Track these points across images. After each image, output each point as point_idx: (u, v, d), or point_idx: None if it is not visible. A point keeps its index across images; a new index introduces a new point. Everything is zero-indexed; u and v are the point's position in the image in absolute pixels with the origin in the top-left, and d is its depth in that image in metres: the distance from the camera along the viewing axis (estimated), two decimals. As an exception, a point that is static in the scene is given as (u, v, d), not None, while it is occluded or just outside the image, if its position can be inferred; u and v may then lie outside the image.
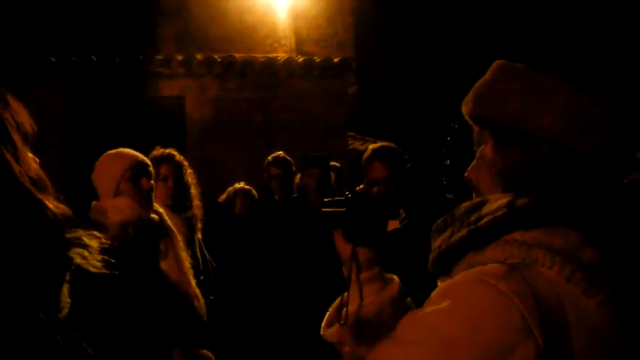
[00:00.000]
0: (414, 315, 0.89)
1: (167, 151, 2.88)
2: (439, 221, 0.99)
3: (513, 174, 0.94)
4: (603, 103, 0.91)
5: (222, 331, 2.80)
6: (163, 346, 2.20)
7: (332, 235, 1.12)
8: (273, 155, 3.89)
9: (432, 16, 13.34)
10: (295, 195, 3.70)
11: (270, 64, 6.92)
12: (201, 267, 2.79)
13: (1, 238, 0.82)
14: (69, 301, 0.95)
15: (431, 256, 0.99)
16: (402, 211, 2.47)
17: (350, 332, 1.04)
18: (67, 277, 0.94)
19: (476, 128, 1.03)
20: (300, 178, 3.63)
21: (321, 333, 1.11)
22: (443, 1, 13.35)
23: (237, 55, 6.90)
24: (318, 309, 1.27)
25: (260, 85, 6.91)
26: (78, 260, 0.94)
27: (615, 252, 0.85)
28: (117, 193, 2.21)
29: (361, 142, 8.25)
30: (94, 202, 2.23)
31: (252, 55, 7.07)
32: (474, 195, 1.02)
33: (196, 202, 2.96)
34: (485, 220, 0.90)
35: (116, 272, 1.30)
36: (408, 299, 1.09)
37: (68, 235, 0.93)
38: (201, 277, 2.69)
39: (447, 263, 0.95)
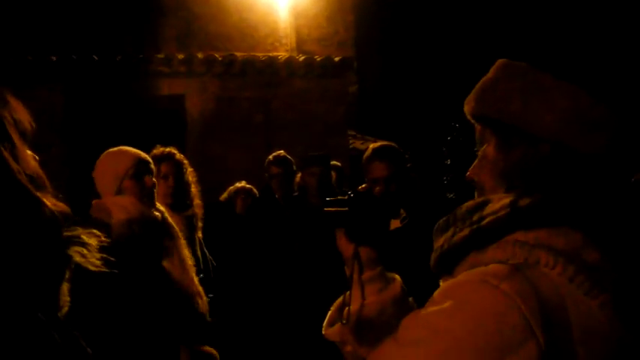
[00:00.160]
0: (415, 315, 0.88)
1: (167, 149, 2.88)
2: (441, 221, 0.99)
3: (515, 173, 0.94)
4: (605, 103, 0.91)
5: (224, 329, 2.80)
6: (170, 343, 2.21)
7: (334, 234, 1.12)
8: (273, 154, 3.89)
9: (432, 15, 13.34)
10: (296, 194, 3.70)
11: (271, 63, 6.92)
12: (201, 266, 2.79)
13: None
14: (68, 299, 0.94)
15: (433, 256, 0.98)
16: (402, 210, 2.47)
17: (352, 332, 1.04)
18: (67, 276, 0.94)
19: (478, 127, 1.02)
20: (301, 177, 3.62)
21: (323, 332, 1.11)
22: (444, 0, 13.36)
23: (238, 54, 6.90)
24: (319, 308, 1.26)
25: (261, 84, 6.90)
26: (77, 259, 0.93)
27: (617, 253, 0.84)
28: (119, 191, 2.21)
29: (362, 142, 8.25)
30: (94, 200, 2.23)
31: (253, 54, 7.07)
32: (476, 194, 1.02)
33: (196, 201, 2.96)
34: (487, 219, 0.89)
35: (116, 270, 1.29)
36: (410, 299, 1.09)
37: (66, 233, 0.92)
38: (201, 276, 2.69)
39: (449, 263, 0.95)
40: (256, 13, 7.44)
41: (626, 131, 0.91)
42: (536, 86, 0.93)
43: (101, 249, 0.99)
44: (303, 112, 6.84)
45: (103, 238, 0.99)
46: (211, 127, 6.76)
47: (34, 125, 0.99)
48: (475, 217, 0.91)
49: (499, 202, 0.90)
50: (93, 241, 0.96)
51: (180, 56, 6.75)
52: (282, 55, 7.21)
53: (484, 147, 1.00)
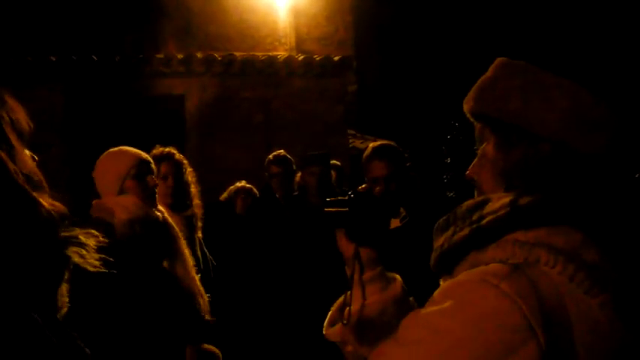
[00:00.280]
0: (416, 315, 0.88)
1: (167, 149, 2.87)
2: (441, 220, 0.99)
3: (515, 172, 0.93)
4: (605, 102, 0.90)
5: (225, 329, 2.80)
6: (176, 343, 2.21)
7: (334, 234, 1.12)
8: (273, 154, 3.89)
9: (432, 14, 13.33)
10: (296, 193, 3.70)
11: (271, 63, 6.91)
12: (201, 266, 2.79)
13: None
14: (67, 300, 0.94)
15: (433, 256, 0.98)
16: (402, 209, 2.47)
17: (352, 332, 1.03)
18: (66, 277, 0.93)
19: (477, 126, 1.02)
20: (301, 177, 3.62)
21: (324, 332, 1.11)
22: (443, -1, 13.35)
23: (237, 54, 6.89)
24: (320, 308, 1.26)
25: (260, 83, 6.90)
26: (76, 259, 0.93)
27: (617, 252, 0.84)
28: (122, 191, 2.20)
29: (361, 141, 8.25)
30: (95, 200, 2.23)
31: (252, 53, 7.07)
32: (475, 193, 1.02)
33: (196, 201, 2.96)
34: (487, 219, 0.89)
35: (115, 271, 1.29)
36: (411, 298, 1.09)
37: (64, 234, 0.92)
38: (199, 275, 2.69)
39: (450, 262, 0.95)
40: (256, 12, 7.44)
41: (627, 131, 0.91)
42: (536, 85, 0.93)
43: (100, 249, 0.99)
44: (303, 111, 6.84)
45: (101, 239, 0.99)
46: (211, 127, 6.76)
47: (32, 125, 0.99)
48: (475, 217, 0.91)
49: (499, 201, 0.90)
50: (91, 242, 0.95)
51: (180, 56, 6.75)
52: (281, 54, 7.20)
53: (483, 146, 1.00)
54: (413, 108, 13.20)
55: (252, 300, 3.46)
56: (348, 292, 1.06)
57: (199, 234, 2.96)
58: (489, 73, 1.00)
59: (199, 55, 6.79)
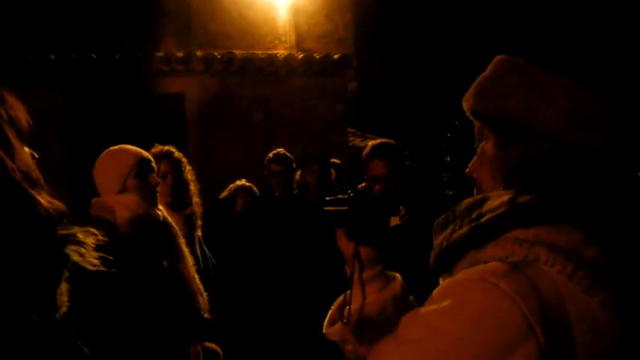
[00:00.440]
0: (415, 314, 0.88)
1: (166, 147, 2.87)
2: (440, 218, 0.99)
3: (515, 170, 0.93)
4: (605, 100, 0.90)
5: (224, 328, 2.80)
6: (179, 341, 2.21)
7: (334, 233, 1.12)
8: (273, 152, 3.88)
9: (431, 12, 13.32)
10: (296, 192, 3.69)
11: (271, 61, 6.91)
12: (201, 264, 2.79)
13: None
14: (66, 299, 0.94)
15: (432, 254, 0.98)
16: (402, 207, 2.47)
17: (352, 331, 1.03)
18: (65, 275, 0.93)
19: (477, 124, 1.02)
20: (301, 175, 3.62)
21: (324, 331, 1.11)
22: (443, -3, 13.34)
23: (237, 52, 6.88)
24: (320, 307, 1.26)
25: (260, 81, 6.89)
26: (75, 258, 0.92)
27: (617, 251, 0.84)
28: (123, 190, 2.19)
29: (361, 139, 8.25)
30: (94, 199, 2.22)
31: (252, 51, 7.06)
32: (475, 192, 1.02)
33: (196, 200, 2.95)
34: (486, 217, 0.89)
35: (114, 269, 1.29)
36: (411, 297, 1.09)
37: (62, 232, 0.91)
38: (200, 274, 2.69)
39: (449, 261, 0.95)
40: (255, 11, 7.42)
41: (626, 130, 0.90)
42: (535, 83, 0.92)
43: (100, 248, 0.98)
44: (303, 109, 6.84)
45: (100, 237, 0.99)
46: (211, 126, 6.76)
47: (31, 122, 0.99)
48: (474, 215, 0.91)
49: (498, 199, 0.90)
50: (90, 240, 0.95)
51: (180, 54, 6.74)
52: (281, 52, 7.19)
53: (483, 144, 1.00)
54: (413, 106, 13.19)
55: (252, 299, 3.46)
56: (348, 291, 1.06)
57: (199, 232, 2.96)
58: (488, 71, 1.00)
59: (199, 53, 6.78)
